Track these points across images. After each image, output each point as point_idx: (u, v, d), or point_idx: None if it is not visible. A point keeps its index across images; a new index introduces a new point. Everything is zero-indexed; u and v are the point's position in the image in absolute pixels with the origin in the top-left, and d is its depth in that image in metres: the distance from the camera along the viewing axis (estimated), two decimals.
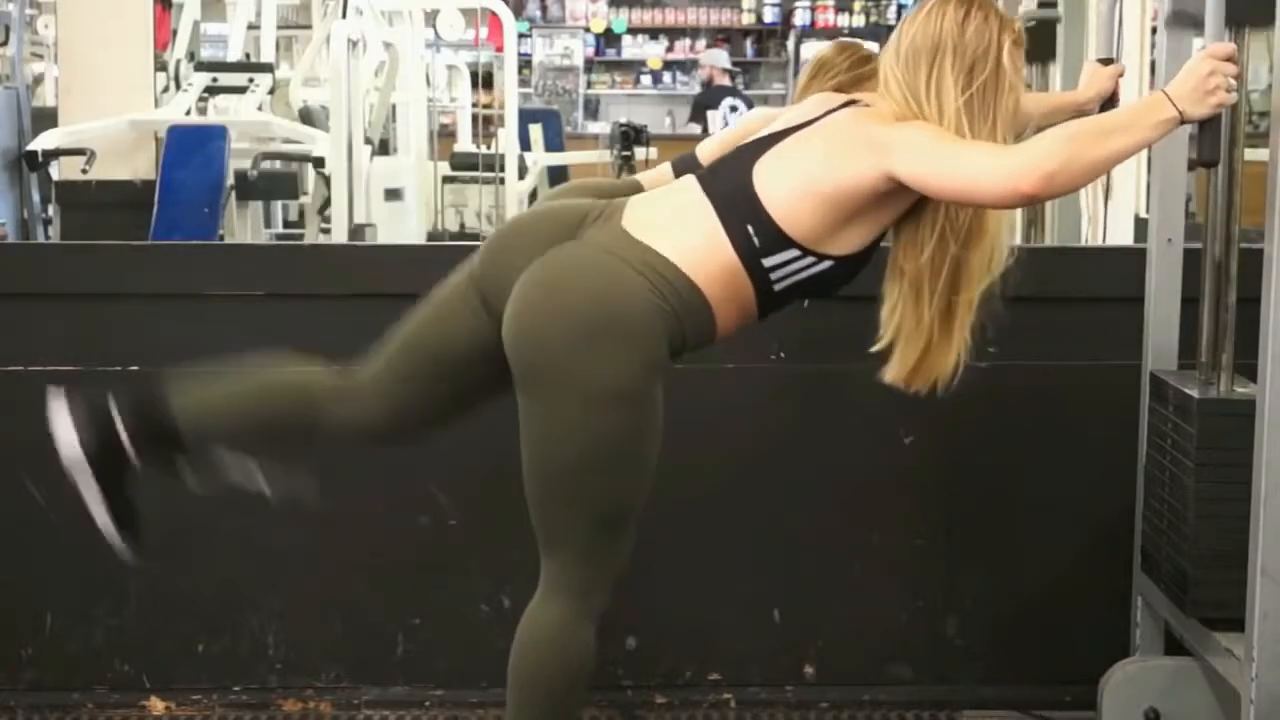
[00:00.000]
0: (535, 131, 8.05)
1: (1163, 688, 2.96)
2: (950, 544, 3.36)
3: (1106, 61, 3.05)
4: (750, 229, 2.41)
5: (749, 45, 15.46)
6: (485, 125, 7.82)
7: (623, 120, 7.57)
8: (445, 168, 7.75)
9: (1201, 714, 2.94)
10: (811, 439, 3.34)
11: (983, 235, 2.44)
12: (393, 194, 6.98)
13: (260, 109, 6.86)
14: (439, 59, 8.69)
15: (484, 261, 2.52)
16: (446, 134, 9.05)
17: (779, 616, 3.38)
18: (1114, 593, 3.19)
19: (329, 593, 3.35)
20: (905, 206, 2.43)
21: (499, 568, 3.27)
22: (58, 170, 6.23)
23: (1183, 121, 2.37)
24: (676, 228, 2.43)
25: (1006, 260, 2.48)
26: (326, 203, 6.44)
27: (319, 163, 6.46)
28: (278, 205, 8.03)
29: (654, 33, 15.48)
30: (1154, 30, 4.36)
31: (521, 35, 12.76)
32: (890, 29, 2.89)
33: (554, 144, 8.50)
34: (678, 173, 2.84)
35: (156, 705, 3.33)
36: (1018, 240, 2.82)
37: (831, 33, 14.19)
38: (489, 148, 7.47)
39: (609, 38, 15.47)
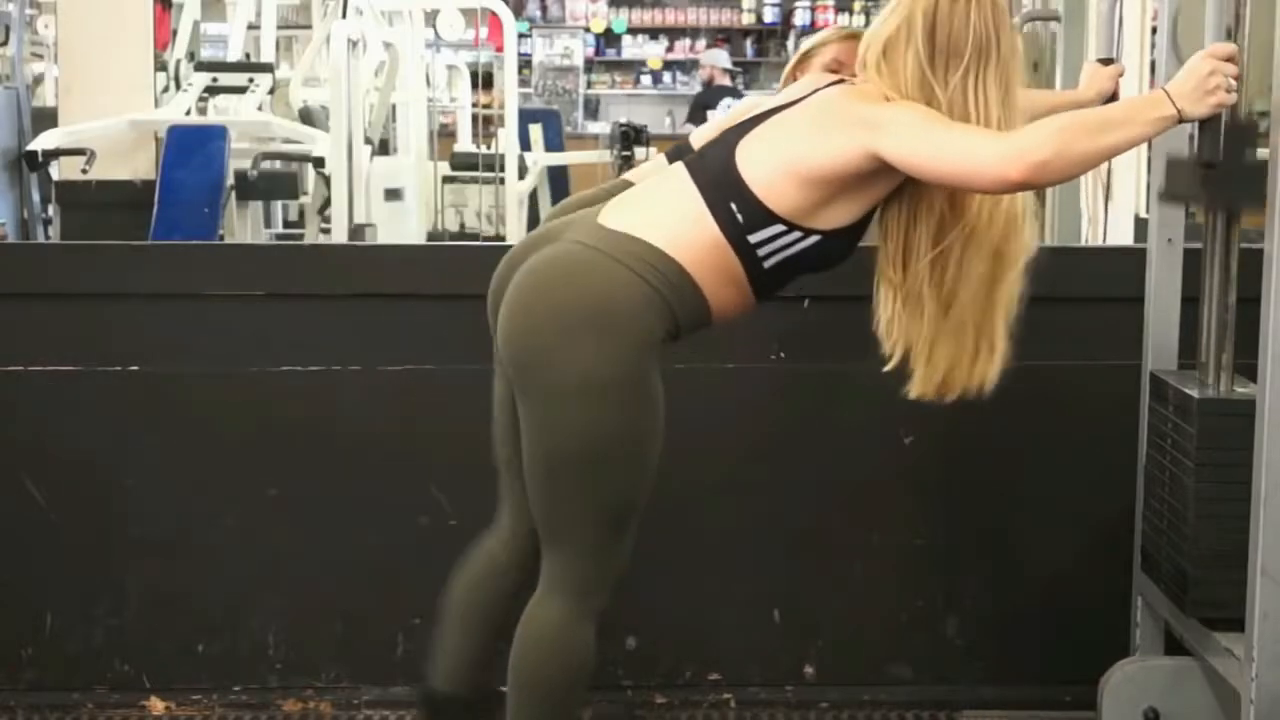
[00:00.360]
0: (535, 131, 8.04)
1: (1163, 688, 2.95)
2: (950, 544, 3.36)
3: (1106, 61, 3.05)
4: (734, 206, 2.40)
5: (749, 45, 15.45)
6: (485, 125, 7.82)
7: (623, 120, 7.58)
8: (445, 168, 7.75)
9: (1201, 714, 2.93)
10: (811, 439, 3.33)
11: (1007, 225, 2.42)
12: (393, 194, 6.98)
13: (260, 109, 6.86)
14: (439, 59, 8.69)
15: (491, 311, 2.53)
16: (446, 134, 9.05)
17: (779, 616, 3.37)
18: (1114, 593, 3.18)
19: (329, 593, 3.35)
20: (893, 185, 2.41)
21: None
22: (58, 170, 6.22)
23: (1181, 120, 2.37)
24: (661, 214, 2.43)
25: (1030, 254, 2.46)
26: (326, 203, 6.44)
27: (319, 163, 6.46)
28: (278, 205, 8.03)
29: (654, 33, 15.47)
30: (1154, 30, 4.35)
31: (521, 35, 12.75)
32: None
33: (554, 144, 8.49)
34: (671, 161, 2.84)
35: (156, 705, 3.33)
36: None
37: None
38: (489, 148, 7.47)
39: (609, 38, 15.46)
